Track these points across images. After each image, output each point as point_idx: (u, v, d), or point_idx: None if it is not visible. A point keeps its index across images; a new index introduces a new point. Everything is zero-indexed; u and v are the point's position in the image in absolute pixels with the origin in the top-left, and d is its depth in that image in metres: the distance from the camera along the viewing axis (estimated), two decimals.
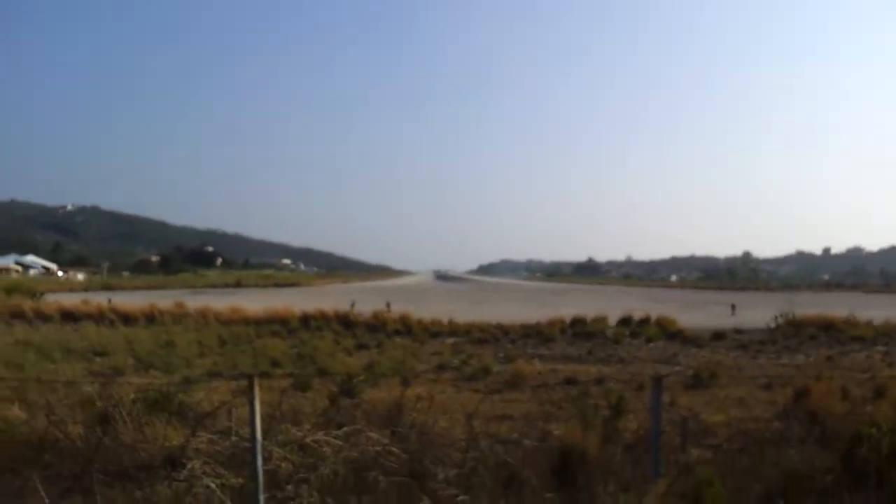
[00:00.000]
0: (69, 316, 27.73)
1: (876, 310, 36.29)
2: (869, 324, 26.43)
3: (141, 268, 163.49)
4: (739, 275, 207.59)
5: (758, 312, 34.26)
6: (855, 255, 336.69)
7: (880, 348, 20.92)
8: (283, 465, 6.52)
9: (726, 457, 7.58)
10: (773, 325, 25.84)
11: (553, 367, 16.27)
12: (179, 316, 26.92)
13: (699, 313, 37.71)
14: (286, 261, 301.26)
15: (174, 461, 6.79)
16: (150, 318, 26.88)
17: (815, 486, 6.38)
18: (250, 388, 5.63)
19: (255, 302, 36.45)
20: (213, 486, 5.85)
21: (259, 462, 5.56)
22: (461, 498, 5.97)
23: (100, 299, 35.33)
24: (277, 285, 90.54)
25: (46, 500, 5.73)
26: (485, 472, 6.54)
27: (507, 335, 22.86)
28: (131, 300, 36.68)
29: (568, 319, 26.36)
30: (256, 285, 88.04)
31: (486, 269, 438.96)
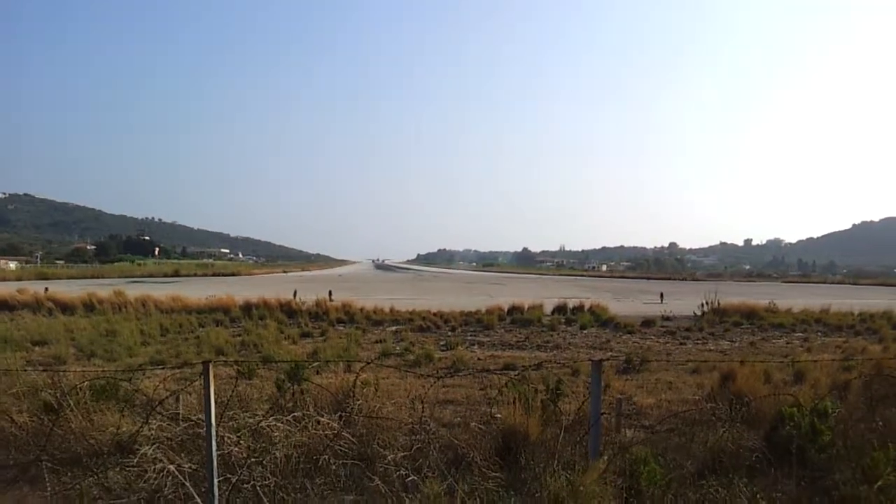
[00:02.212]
0: (4, 305, 26.60)
1: (794, 298, 38.00)
2: (788, 311, 27.66)
3: (76, 256, 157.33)
4: (666, 265, 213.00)
5: (684, 301, 35.43)
6: (775, 246, 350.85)
7: (799, 335, 21.90)
8: (236, 449, 6.61)
9: (659, 437, 7.99)
10: (698, 312, 26.74)
11: (492, 353, 16.54)
12: (119, 305, 26.14)
13: (629, 301, 38.66)
14: (225, 250, 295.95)
15: (125, 448, 6.80)
16: (90, 307, 25.95)
17: (743, 462, 6.79)
18: (205, 373, 5.70)
19: (195, 291, 35.79)
20: (171, 468, 5.91)
21: (213, 446, 5.64)
22: (410, 478, 6.18)
23: (36, 288, 34.09)
24: (217, 275, 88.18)
25: None
26: (432, 453, 6.76)
27: (447, 323, 23.06)
28: (68, 289, 35.50)
29: (506, 307, 26.78)
30: (195, 275, 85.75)
31: (424, 259, 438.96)
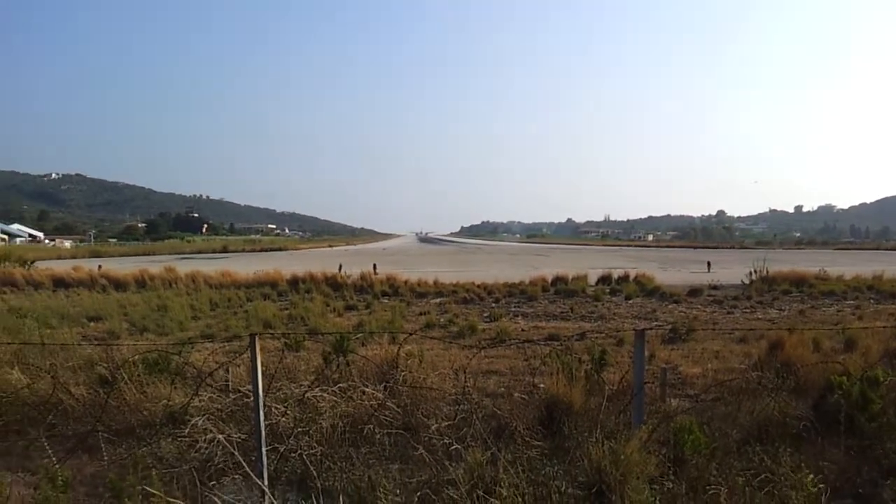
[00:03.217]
0: (60, 282, 27.59)
1: (846, 266, 37.12)
2: (839, 279, 27.10)
3: (127, 234, 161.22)
4: (714, 233, 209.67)
5: (732, 269, 34.89)
6: (826, 212, 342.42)
7: (850, 302, 21.46)
8: (283, 419, 6.77)
9: (704, 406, 7.90)
10: (747, 281, 26.34)
11: (536, 324, 16.56)
12: (170, 281, 26.80)
13: (676, 271, 38.25)
14: (272, 225, 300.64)
15: (177, 419, 7.01)
16: (141, 283, 26.77)
17: (789, 431, 6.70)
18: (252, 345, 5.81)
19: (243, 266, 36.45)
20: (221, 438, 6.07)
21: (261, 416, 5.76)
22: (454, 447, 6.25)
23: (90, 266, 35.13)
24: (264, 250, 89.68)
25: (53, 459, 5.91)
26: (475, 422, 6.82)
27: (490, 295, 23.11)
28: (121, 266, 36.51)
29: (549, 278, 26.73)
30: (243, 250, 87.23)
31: (468, 231, 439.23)
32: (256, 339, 5.85)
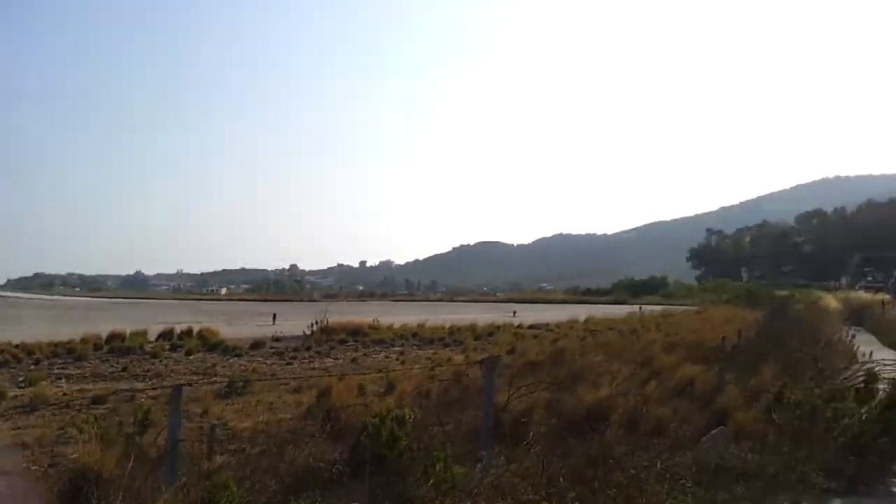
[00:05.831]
0: None
1: (398, 315, 41.19)
2: (390, 327, 29.93)
3: None
4: (286, 286, 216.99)
5: (297, 321, 36.11)
6: (386, 267, 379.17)
7: (397, 349, 23.82)
8: None
9: (248, 460, 7.89)
10: (308, 332, 27.49)
11: (82, 386, 15.03)
12: None
13: (243, 324, 38.41)
14: None
15: None
16: None
17: (322, 477, 6.99)
18: None
19: None
20: None
21: None
22: None
23: None
24: None
25: None
26: None
27: (31, 356, 20.40)
28: None
29: (104, 336, 24.65)
30: None
31: (16, 284, 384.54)
32: None
